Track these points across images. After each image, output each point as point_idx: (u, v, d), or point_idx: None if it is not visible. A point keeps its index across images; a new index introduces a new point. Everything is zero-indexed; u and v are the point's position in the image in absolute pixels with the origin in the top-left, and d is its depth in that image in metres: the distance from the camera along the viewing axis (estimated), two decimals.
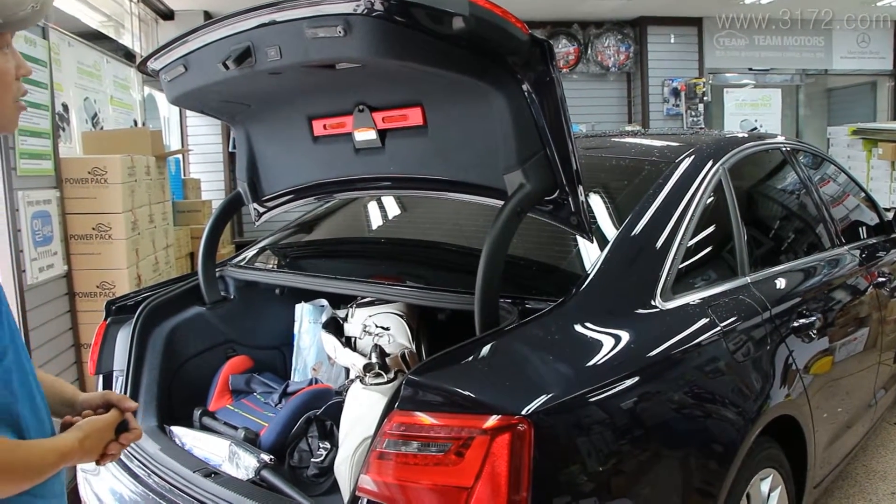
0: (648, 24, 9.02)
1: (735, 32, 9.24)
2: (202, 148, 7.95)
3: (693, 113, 8.98)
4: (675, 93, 9.04)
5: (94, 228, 3.79)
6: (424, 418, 1.46)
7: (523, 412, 1.44)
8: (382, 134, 2.06)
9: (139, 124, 6.04)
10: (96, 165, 3.78)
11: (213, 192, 7.55)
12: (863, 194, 3.71)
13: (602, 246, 1.97)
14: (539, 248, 2.24)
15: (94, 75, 5.04)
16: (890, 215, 3.74)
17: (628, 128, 8.66)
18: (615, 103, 9.34)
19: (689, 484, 1.79)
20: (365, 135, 2.09)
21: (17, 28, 1.20)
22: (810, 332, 2.37)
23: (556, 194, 1.82)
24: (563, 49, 9.02)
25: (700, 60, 9.19)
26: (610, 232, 2.07)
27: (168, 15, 7.58)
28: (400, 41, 1.62)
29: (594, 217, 2.12)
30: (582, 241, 1.99)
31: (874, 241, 3.41)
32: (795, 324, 2.32)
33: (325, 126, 2.19)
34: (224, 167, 8.07)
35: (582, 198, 1.81)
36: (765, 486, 2.12)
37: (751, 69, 9.47)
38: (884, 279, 3.13)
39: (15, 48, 1.24)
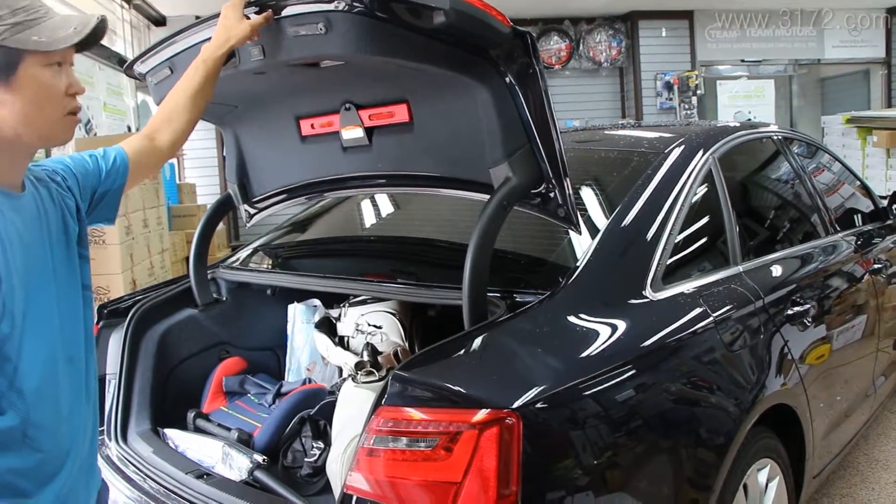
0: (639, 19, 9.03)
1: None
2: (197, 153, 7.94)
3: (686, 106, 8.98)
4: (668, 86, 9.04)
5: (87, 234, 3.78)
6: (412, 413, 1.45)
7: (512, 405, 1.43)
8: (369, 131, 2.06)
9: (133, 130, 6.04)
10: None
11: (208, 196, 7.55)
12: (857, 182, 3.70)
13: (591, 237, 1.96)
14: (528, 242, 2.23)
15: (87, 82, 5.05)
16: (885, 202, 3.73)
17: (621, 122, 8.67)
18: (608, 98, 9.34)
19: (684, 475, 1.78)
20: (352, 133, 2.09)
21: (59, 48, 1.27)
22: (805, 320, 2.36)
23: (542, 187, 1.82)
24: (555, 45, 9.03)
25: (692, 53, 9.21)
26: (599, 223, 2.07)
27: (160, 21, 7.59)
28: (381, 37, 1.62)
29: (583, 209, 2.11)
30: (571, 234, 1.98)
31: (869, 227, 3.39)
32: (790, 312, 2.31)
33: (312, 125, 2.18)
34: (219, 171, 8.06)
35: (569, 189, 1.80)
36: (762, 477, 2.11)
37: (743, 61, 9.49)
38: (880, 266, 3.11)
39: (70, 68, 1.34)
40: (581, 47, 9.08)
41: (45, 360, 1.31)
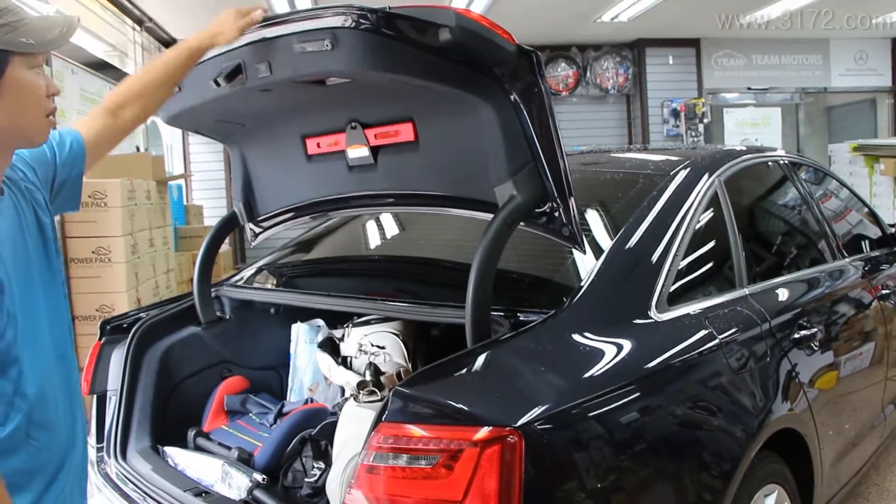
0: (647, 46, 9.09)
1: (733, 52, 9.29)
2: (205, 175, 7.99)
3: (693, 133, 9.01)
4: (675, 114, 9.08)
5: (93, 252, 3.81)
6: (412, 430, 1.43)
7: (514, 424, 1.41)
8: (375, 151, 2.06)
9: (142, 150, 6.09)
10: (96, 189, 3.80)
11: (215, 218, 7.52)
12: (864, 208, 3.68)
13: (596, 257, 1.95)
14: (532, 261, 2.22)
15: (97, 102, 5.08)
16: (893, 229, 3.70)
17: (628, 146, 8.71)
18: (615, 125, 9.38)
19: (689, 499, 1.75)
20: (358, 152, 2.09)
21: (48, 49, 1.30)
22: (812, 345, 2.33)
23: (547, 205, 1.81)
24: (563, 72, 9.10)
25: (699, 81, 9.26)
26: (604, 243, 2.06)
27: (170, 43, 7.68)
28: (387, 54, 1.63)
29: (588, 229, 2.10)
30: (575, 253, 1.97)
31: (877, 253, 3.37)
32: (796, 335, 2.28)
33: (318, 144, 2.19)
34: (226, 194, 8.10)
35: (573, 209, 1.79)
36: (769, 503, 2.07)
37: (750, 88, 9.53)
38: (888, 291, 3.09)
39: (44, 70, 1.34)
40: (588, 74, 9.14)
41: (41, 361, 1.33)
